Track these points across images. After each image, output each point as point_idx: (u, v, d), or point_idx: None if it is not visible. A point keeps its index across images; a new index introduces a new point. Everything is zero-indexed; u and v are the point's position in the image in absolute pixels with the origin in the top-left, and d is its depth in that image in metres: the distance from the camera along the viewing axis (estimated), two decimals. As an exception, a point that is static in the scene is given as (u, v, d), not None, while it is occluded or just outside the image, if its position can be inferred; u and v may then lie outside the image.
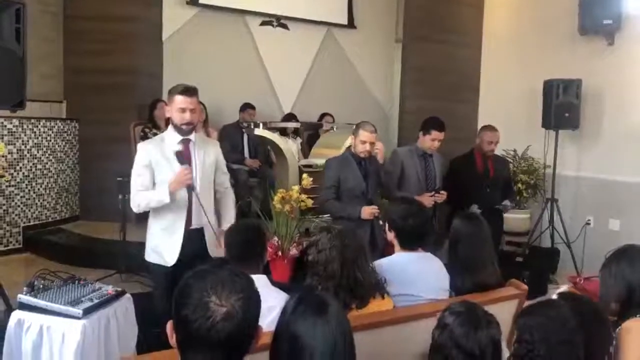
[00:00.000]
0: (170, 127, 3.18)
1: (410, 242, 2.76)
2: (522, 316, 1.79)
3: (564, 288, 3.14)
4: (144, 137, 5.57)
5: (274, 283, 2.52)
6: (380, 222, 4.00)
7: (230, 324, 1.23)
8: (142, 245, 4.92)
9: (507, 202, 4.95)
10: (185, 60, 6.12)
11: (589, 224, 5.96)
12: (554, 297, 2.06)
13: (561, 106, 5.73)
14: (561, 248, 5.79)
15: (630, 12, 5.64)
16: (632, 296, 2.20)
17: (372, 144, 4.00)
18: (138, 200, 3.18)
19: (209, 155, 3.29)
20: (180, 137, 3.17)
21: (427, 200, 4.29)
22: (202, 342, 1.23)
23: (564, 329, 1.70)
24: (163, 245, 3.22)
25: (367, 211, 3.91)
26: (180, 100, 3.11)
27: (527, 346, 1.72)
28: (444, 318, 1.73)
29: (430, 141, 4.45)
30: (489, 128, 5.08)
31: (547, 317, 1.73)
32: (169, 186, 3.09)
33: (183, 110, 3.12)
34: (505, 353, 1.90)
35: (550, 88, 5.77)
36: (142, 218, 5.57)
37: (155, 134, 5.59)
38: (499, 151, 5.47)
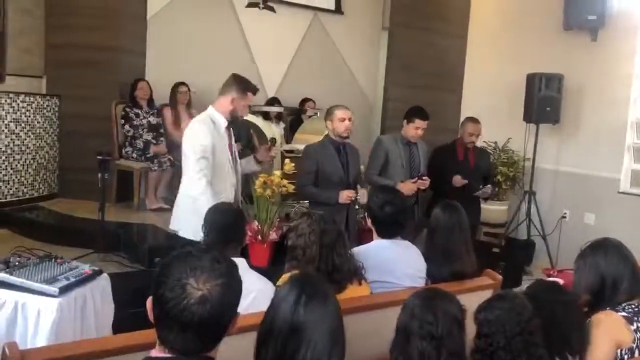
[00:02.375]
0: (217, 112, 3.29)
1: (387, 231, 2.79)
2: (480, 311, 1.83)
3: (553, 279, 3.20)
4: (126, 117, 5.53)
5: (253, 267, 2.53)
6: (357, 207, 4.04)
7: (203, 308, 1.24)
8: (121, 225, 4.96)
9: (486, 188, 4.96)
10: (169, 40, 6.04)
11: (565, 217, 6.05)
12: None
13: (543, 100, 5.79)
14: (537, 240, 5.88)
15: (613, 9, 5.69)
16: (604, 288, 2.25)
17: (350, 120, 4.02)
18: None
19: None
20: (226, 123, 3.32)
21: (410, 187, 4.34)
22: (175, 322, 1.26)
23: (520, 320, 1.75)
24: None
25: (345, 195, 3.93)
26: (251, 98, 3.39)
27: (487, 340, 1.77)
28: (408, 302, 1.78)
29: (413, 129, 4.48)
30: (471, 120, 5.12)
31: (502, 310, 1.78)
32: None
33: (249, 107, 3.48)
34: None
35: (533, 81, 5.82)
36: (122, 198, 5.61)
37: (136, 114, 5.56)
38: (480, 142, 5.51)
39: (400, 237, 2.83)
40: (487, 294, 2.60)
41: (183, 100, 5.82)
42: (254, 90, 3.37)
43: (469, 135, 5.04)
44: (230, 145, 3.38)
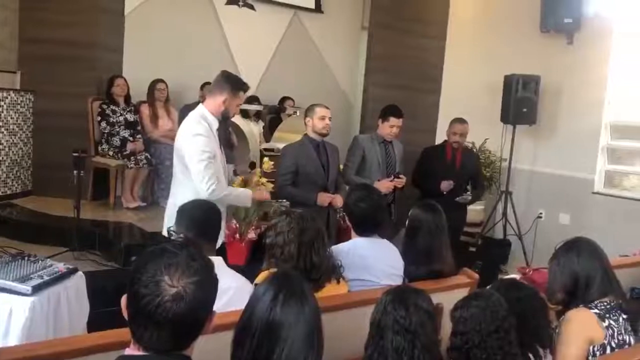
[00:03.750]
0: (208, 112, 3.19)
1: (363, 227, 2.80)
2: (456, 309, 1.85)
3: (512, 276, 3.24)
4: (102, 114, 5.46)
5: (230, 266, 2.52)
6: (336, 209, 4.04)
7: (178, 305, 1.23)
8: (97, 223, 4.90)
9: (465, 196, 5.02)
10: (147, 36, 5.99)
11: (540, 217, 6.13)
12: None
13: (520, 101, 5.85)
14: (513, 240, 5.96)
15: (589, 13, 5.78)
16: (578, 286, 2.29)
17: (330, 119, 4.03)
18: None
19: None
20: (217, 124, 3.23)
21: (386, 185, 4.37)
22: (150, 320, 1.24)
23: (495, 318, 1.77)
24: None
25: (322, 197, 3.93)
26: (242, 97, 3.32)
27: (462, 337, 1.79)
28: (381, 299, 1.80)
29: (388, 128, 4.50)
30: (458, 120, 5.13)
31: (478, 308, 1.80)
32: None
33: (240, 106, 3.42)
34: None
35: (510, 83, 5.89)
36: (99, 196, 5.54)
37: (113, 111, 5.50)
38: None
39: (377, 235, 2.84)
40: (464, 293, 2.63)
41: (161, 97, 5.77)
42: (246, 88, 3.30)
43: (453, 134, 5.06)
44: (220, 148, 3.32)
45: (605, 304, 2.24)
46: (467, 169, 5.16)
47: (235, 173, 3.67)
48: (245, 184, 4.20)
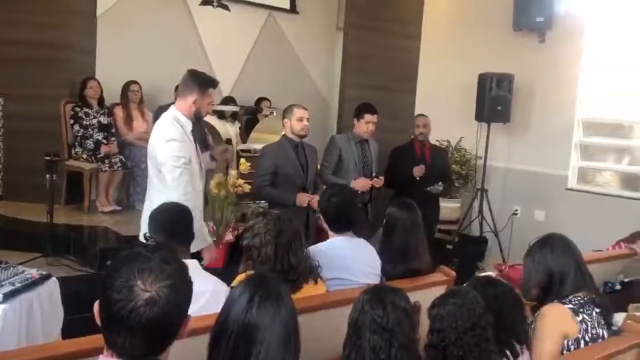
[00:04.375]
0: (180, 113, 3.13)
1: (338, 223, 2.82)
2: (433, 307, 1.86)
3: (488, 274, 3.26)
4: (75, 116, 5.38)
5: (207, 269, 2.50)
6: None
7: (152, 310, 1.21)
8: (71, 228, 4.82)
9: (436, 186, 5.06)
10: (120, 37, 5.91)
11: (516, 214, 6.21)
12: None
13: (494, 100, 5.91)
14: (489, 237, 6.02)
15: (560, 12, 5.87)
16: (552, 282, 2.32)
17: (308, 119, 4.04)
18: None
19: None
20: (191, 125, 3.17)
21: (363, 183, 4.41)
22: (123, 325, 1.22)
23: (471, 315, 1.79)
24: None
25: (301, 198, 3.93)
26: (212, 94, 3.31)
27: (439, 335, 1.80)
28: (358, 298, 1.80)
29: (364, 125, 4.53)
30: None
31: (455, 306, 1.81)
32: None
33: (212, 104, 3.38)
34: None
35: (485, 81, 5.94)
36: (72, 200, 5.45)
37: (86, 114, 5.42)
38: (432, 141, 5.57)
39: (352, 234, 2.86)
40: (441, 290, 2.65)
41: (135, 99, 5.71)
42: (215, 85, 3.26)
43: (416, 127, 5.15)
44: (196, 149, 3.26)
45: (579, 298, 2.27)
46: (437, 165, 5.21)
47: (212, 157, 3.58)
48: (220, 185, 4.17)
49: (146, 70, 5.86)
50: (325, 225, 2.89)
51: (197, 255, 2.99)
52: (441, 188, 5.11)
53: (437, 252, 4.27)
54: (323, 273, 2.54)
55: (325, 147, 4.67)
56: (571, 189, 5.90)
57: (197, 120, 3.21)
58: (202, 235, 3.10)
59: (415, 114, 6.65)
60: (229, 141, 4.25)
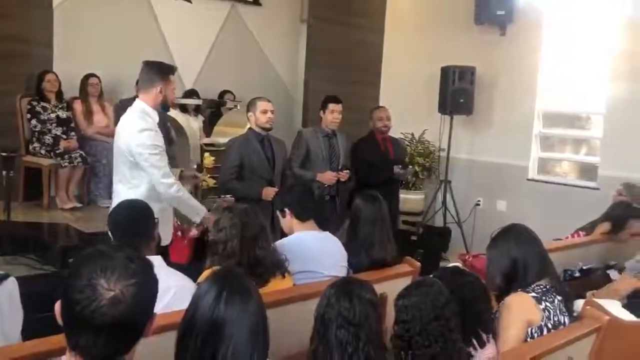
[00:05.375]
0: (148, 106, 3.11)
1: (303, 211, 2.85)
2: (398, 298, 1.88)
3: (454, 264, 3.31)
4: (32, 111, 5.22)
5: (172, 265, 2.47)
6: None
7: (116, 309, 1.18)
8: (30, 225, 4.69)
9: (407, 170, 5.08)
10: (77, 29, 5.74)
11: (478, 204, 6.33)
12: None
13: (456, 92, 6.00)
14: (453, 227, 6.12)
15: (520, 5, 5.98)
16: (516, 271, 2.36)
17: (272, 112, 4.04)
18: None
19: None
20: (158, 118, 3.15)
21: (329, 177, 4.46)
22: (86, 325, 1.19)
23: (435, 306, 1.81)
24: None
25: (268, 191, 3.92)
26: (173, 79, 3.23)
27: (404, 326, 1.81)
28: (324, 292, 1.81)
29: (330, 114, 4.56)
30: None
31: (419, 296, 1.83)
32: None
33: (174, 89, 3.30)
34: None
35: (447, 74, 6.02)
36: (31, 197, 5.30)
37: (44, 108, 5.26)
38: (397, 134, 5.62)
39: (316, 226, 2.88)
40: (407, 281, 2.68)
41: (94, 93, 5.57)
42: (174, 70, 3.26)
43: (379, 119, 5.04)
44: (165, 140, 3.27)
45: (541, 287, 2.32)
46: (399, 158, 5.23)
47: (180, 176, 3.55)
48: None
49: (106, 62, 5.73)
50: (284, 224, 2.91)
51: (165, 252, 2.97)
52: (407, 171, 5.12)
53: (402, 243, 4.31)
54: (290, 267, 2.54)
55: (293, 141, 4.67)
56: (532, 180, 6.04)
57: (165, 110, 3.23)
58: (193, 209, 3.19)
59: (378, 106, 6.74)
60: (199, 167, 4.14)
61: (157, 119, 3.13)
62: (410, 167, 5.14)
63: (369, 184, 4.57)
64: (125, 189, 3.08)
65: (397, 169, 4.94)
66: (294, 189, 3.01)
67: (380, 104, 6.85)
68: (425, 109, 6.47)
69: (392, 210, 5.09)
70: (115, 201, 3.08)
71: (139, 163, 3.01)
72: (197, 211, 3.19)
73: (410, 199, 6.35)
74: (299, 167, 4.52)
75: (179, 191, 3.08)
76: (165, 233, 3.24)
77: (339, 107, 4.57)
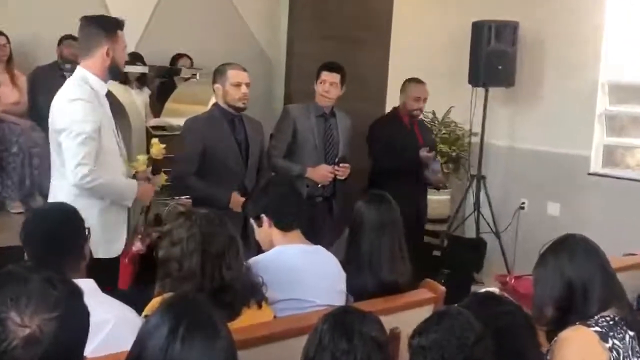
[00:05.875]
0: (92, 73, 3.22)
1: (285, 217, 2.87)
2: (414, 336, 1.87)
3: (492, 290, 3.31)
4: None
5: (107, 291, 2.45)
6: None
7: (32, 351, 1.19)
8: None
9: (433, 165, 5.15)
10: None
11: (523, 208, 6.34)
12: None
13: (493, 56, 6.00)
14: (488, 239, 6.14)
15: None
16: (573, 298, 2.36)
17: (248, 85, 4.06)
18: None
19: None
20: (106, 88, 3.31)
21: (323, 173, 4.47)
22: None
23: (463, 344, 1.80)
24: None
25: (237, 199, 3.95)
26: (122, 36, 3.33)
27: None
28: (315, 327, 1.81)
29: (321, 87, 4.57)
30: (415, 81, 5.26)
31: (442, 332, 1.83)
32: None
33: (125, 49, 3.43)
34: None
35: (480, 32, 6.02)
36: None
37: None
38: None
39: (301, 234, 2.90)
40: (426, 313, 2.68)
41: (1, 57, 5.54)
42: (122, 24, 3.33)
43: (414, 100, 5.15)
44: (113, 118, 3.36)
45: (607, 319, 2.32)
46: (427, 144, 5.27)
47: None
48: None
49: (16, 18, 5.69)
50: (261, 236, 2.92)
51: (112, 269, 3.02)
52: (439, 170, 5.19)
53: (421, 260, 4.31)
54: (269, 293, 2.54)
55: (276, 122, 4.68)
56: (595, 174, 6.04)
57: (115, 76, 3.37)
58: (126, 192, 3.33)
59: (391, 76, 6.74)
60: (149, 160, 4.10)
61: (103, 91, 3.25)
62: (438, 160, 5.17)
63: (389, 179, 4.63)
64: (58, 183, 3.18)
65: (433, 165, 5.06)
66: (274, 188, 3.00)
67: (391, 72, 6.89)
68: (451, 78, 6.46)
69: (418, 217, 5.16)
70: (51, 199, 3.25)
71: (61, 143, 3.09)
72: (128, 195, 3.32)
73: (431, 201, 6.34)
74: (283, 157, 4.52)
75: (94, 181, 3.11)
76: (115, 244, 3.35)
77: (332, 76, 4.58)
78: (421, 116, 5.55)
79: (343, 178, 4.57)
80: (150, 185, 3.53)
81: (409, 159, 5.03)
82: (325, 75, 4.59)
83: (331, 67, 4.62)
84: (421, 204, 5.40)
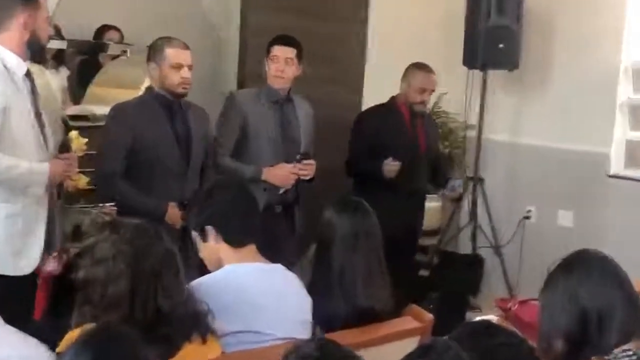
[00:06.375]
0: (7, 49, 3.27)
1: (236, 230, 2.86)
2: None
3: (489, 318, 3.33)
4: None
5: (10, 322, 2.43)
6: None
7: None
8: None
9: (454, 182, 5.19)
10: None
11: (528, 217, 6.39)
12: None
13: (493, 33, 6.03)
14: (487, 254, 6.22)
15: None
16: (588, 329, 2.37)
17: (190, 67, 4.04)
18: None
19: None
20: (25, 67, 3.33)
21: (283, 174, 4.44)
22: None
23: None
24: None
25: (174, 213, 3.96)
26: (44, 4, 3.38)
27: None
28: None
29: (273, 65, 4.53)
30: (420, 67, 5.26)
31: None
32: None
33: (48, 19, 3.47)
34: None
35: (478, 4, 6.06)
36: None
37: None
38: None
39: (256, 251, 2.90)
40: (411, 345, 2.69)
41: None
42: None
43: (419, 92, 5.16)
44: (34, 104, 3.38)
45: (629, 353, 2.34)
46: (434, 146, 5.35)
47: None
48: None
49: None
50: (206, 253, 2.92)
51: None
52: (457, 184, 5.25)
53: (406, 281, 4.33)
54: (216, 323, 2.53)
55: (220, 112, 4.63)
56: (616, 176, 6.08)
57: (35, 52, 3.40)
58: (33, 177, 3.31)
59: (369, 56, 6.73)
60: (64, 146, 4.09)
61: (21, 70, 3.28)
62: (459, 181, 5.22)
63: (376, 188, 4.70)
64: None
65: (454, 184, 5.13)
66: (222, 193, 2.99)
67: (370, 52, 6.88)
68: (442, 58, 6.48)
69: (410, 234, 5.18)
70: None
71: None
72: (38, 180, 3.32)
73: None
74: (231, 156, 4.48)
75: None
76: (23, 259, 3.36)
77: (286, 51, 4.54)
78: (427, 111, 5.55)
79: (308, 178, 4.54)
80: (59, 159, 3.51)
81: (403, 163, 4.98)
82: (278, 50, 4.55)
83: (285, 40, 4.58)
84: (416, 221, 5.43)
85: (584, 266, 2.45)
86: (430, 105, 6.62)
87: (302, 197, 4.68)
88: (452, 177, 5.26)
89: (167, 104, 4.05)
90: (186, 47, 4.08)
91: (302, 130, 4.69)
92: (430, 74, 5.24)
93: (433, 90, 5.28)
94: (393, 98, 5.32)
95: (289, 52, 4.56)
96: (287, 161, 4.50)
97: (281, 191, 4.48)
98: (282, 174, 4.43)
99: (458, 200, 5.74)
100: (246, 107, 4.54)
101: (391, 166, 4.91)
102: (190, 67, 4.05)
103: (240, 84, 6.55)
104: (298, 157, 4.52)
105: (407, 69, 5.30)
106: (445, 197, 5.17)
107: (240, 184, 3.33)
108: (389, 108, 5.31)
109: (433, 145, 5.39)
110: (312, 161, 4.53)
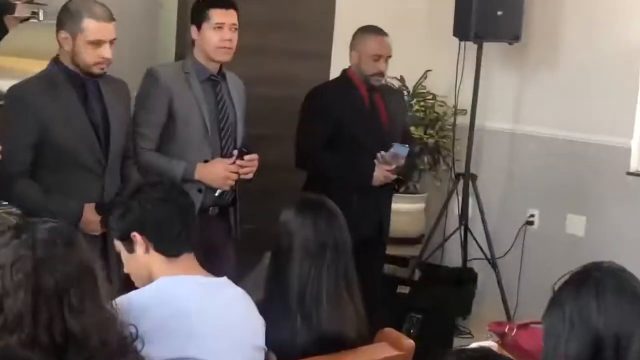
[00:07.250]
0: None
1: (164, 235, 2.86)
2: None
3: (488, 345, 3.33)
4: None
5: None
6: None
7: None
8: None
9: (398, 148, 5.13)
10: None
11: (531, 223, 6.43)
12: None
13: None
14: (480, 268, 6.26)
15: None
16: (601, 357, 2.37)
17: (112, 42, 3.96)
18: None
19: None
20: None
21: (222, 174, 4.37)
22: None
23: None
24: None
25: (91, 216, 3.91)
26: None
27: None
28: None
29: (216, 34, 4.41)
30: (371, 30, 5.26)
31: None
32: None
33: None
34: None
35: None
36: None
37: None
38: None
39: (195, 261, 2.91)
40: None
41: None
42: None
43: (373, 58, 5.14)
44: None
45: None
46: (398, 121, 5.35)
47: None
48: None
49: None
50: (132, 264, 2.91)
51: None
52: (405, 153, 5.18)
53: (381, 299, 4.32)
54: (145, 350, 2.51)
55: (138, 91, 4.52)
56: (636, 173, 6.13)
57: None
58: None
59: (337, 24, 6.72)
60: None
61: None
62: (405, 147, 5.15)
63: (330, 179, 4.71)
64: None
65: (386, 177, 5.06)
66: (150, 193, 2.95)
67: (338, 23, 6.86)
68: (428, 28, 6.51)
69: (381, 231, 5.18)
70: None
71: None
72: None
73: (396, 212, 6.34)
74: (156, 150, 4.43)
75: None
76: None
77: (230, 15, 4.45)
78: (384, 81, 5.51)
79: (247, 178, 4.48)
80: None
81: (365, 150, 5.00)
82: (221, 15, 4.43)
83: (227, 2, 4.46)
84: (383, 219, 5.39)
85: (597, 282, 2.44)
86: (411, 85, 6.67)
87: (239, 197, 4.65)
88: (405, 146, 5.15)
89: (79, 83, 4.00)
90: (111, 18, 3.98)
91: (238, 115, 4.64)
92: (383, 36, 5.23)
93: (390, 57, 5.22)
94: (345, 72, 5.31)
95: (234, 16, 4.48)
96: (224, 155, 4.47)
97: (217, 193, 4.39)
98: (219, 173, 4.36)
99: (405, 176, 5.61)
100: (172, 87, 4.45)
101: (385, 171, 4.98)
102: (112, 43, 3.97)
103: (179, 56, 6.51)
104: (236, 152, 4.45)
105: (355, 35, 5.29)
106: (380, 162, 5.02)
107: (176, 186, 3.27)
108: (343, 83, 5.29)
109: (398, 121, 5.37)
110: (255, 155, 4.46)
